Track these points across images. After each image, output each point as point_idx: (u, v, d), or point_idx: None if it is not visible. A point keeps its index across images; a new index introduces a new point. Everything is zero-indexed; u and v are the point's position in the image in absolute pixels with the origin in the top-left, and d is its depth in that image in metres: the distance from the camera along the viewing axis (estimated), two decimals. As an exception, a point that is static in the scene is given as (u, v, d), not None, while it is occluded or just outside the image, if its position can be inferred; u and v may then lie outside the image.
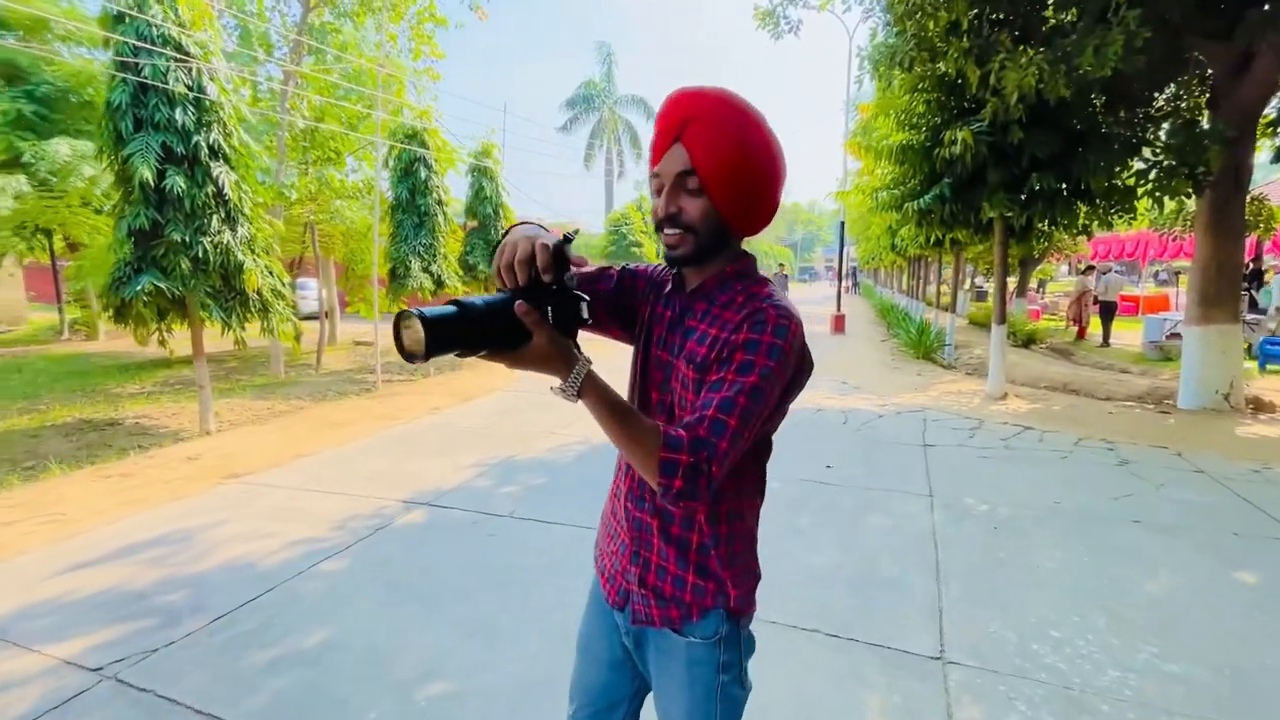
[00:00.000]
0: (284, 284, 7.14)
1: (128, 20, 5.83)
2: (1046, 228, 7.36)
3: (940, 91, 6.72)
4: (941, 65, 6.20)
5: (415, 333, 0.75)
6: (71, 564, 3.17)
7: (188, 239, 6.05)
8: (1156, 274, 26.25)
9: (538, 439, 5.44)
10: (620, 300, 1.12)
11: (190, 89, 6.05)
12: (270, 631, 2.53)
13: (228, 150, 6.35)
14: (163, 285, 5.94)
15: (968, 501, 3.88)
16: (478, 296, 0.82)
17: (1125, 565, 3.06)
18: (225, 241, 6.29)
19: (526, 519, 3.65)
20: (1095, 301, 12.62)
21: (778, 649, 2.39)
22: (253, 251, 6.64)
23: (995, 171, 6.21)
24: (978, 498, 3.94)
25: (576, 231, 0.95)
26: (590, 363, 0.87)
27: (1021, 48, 5.47)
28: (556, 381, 0.85)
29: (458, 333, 0.77)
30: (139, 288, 5.85)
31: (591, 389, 0.86)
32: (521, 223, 0.93)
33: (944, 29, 5.92)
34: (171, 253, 6.01)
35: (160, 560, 3.20)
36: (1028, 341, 12.11)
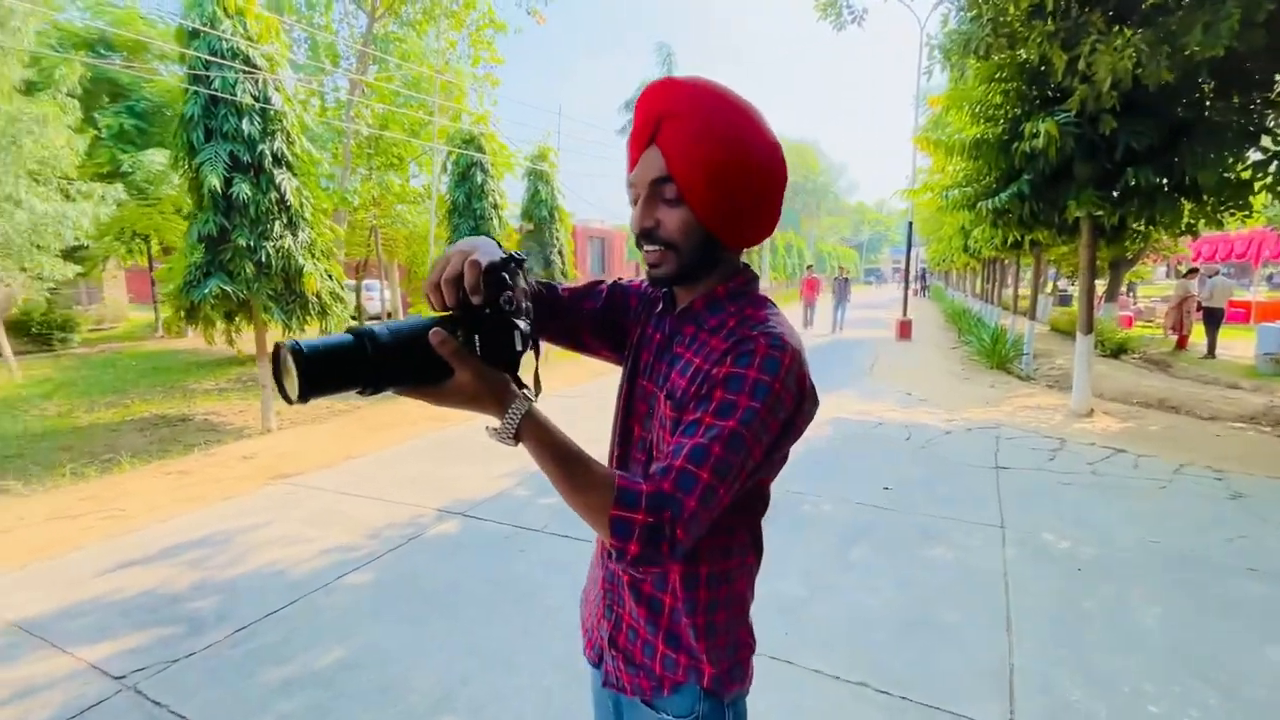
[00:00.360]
0: (342, 287, 7.33)
1: (201, 36, 6.11)
2: (1142, 227, 6.65)
3: (1020, 80, 6.18)
4: (1022, 52, 5.69)
5: (290, 370, 0.61)
6: (120, 562, 3.27)
7: (252, 244, 6.28)
8: (1271, 277, 23.74)
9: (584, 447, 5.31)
10: (610, 319, 1.01)
11: (256, 99, 6.29)
12: (289, 646, 2.49)
13: (290, 158, 6.57)
14: (229, 288, 6.19)
15: (1046, 536, 3.46)
16: (388, 323, 0.69)
17: (1240, 624, 2.61)
18: (287, 246, 6.50)
19: (559, 534, 3.51)
20: (1199, 308, 11.43)
21: (817, 703, 2.14)
22: (313, 255, 6.84)
23: (1083, 166, 5.64)
24: (1058, 532, 3.51)
25: (527, 256, 0.81)
26: (531, 400, 0.75)
27: (1117, 28, 4.93)
28: (494, 421, 0.74)
29: (349, 369, 0.63)
30: (207, 290, 6.11)
31: (531, 431, 0.74)
32: (475, 234, 0.81)
33: (1025, 11, 5.42)
34: (237, 257, 6.26)
35: (199, 563, 3.25)
36: (1118, 351, 11.10)
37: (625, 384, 0.96)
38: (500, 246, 0.79)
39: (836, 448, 5.08)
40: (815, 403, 0.82)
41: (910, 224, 14.94)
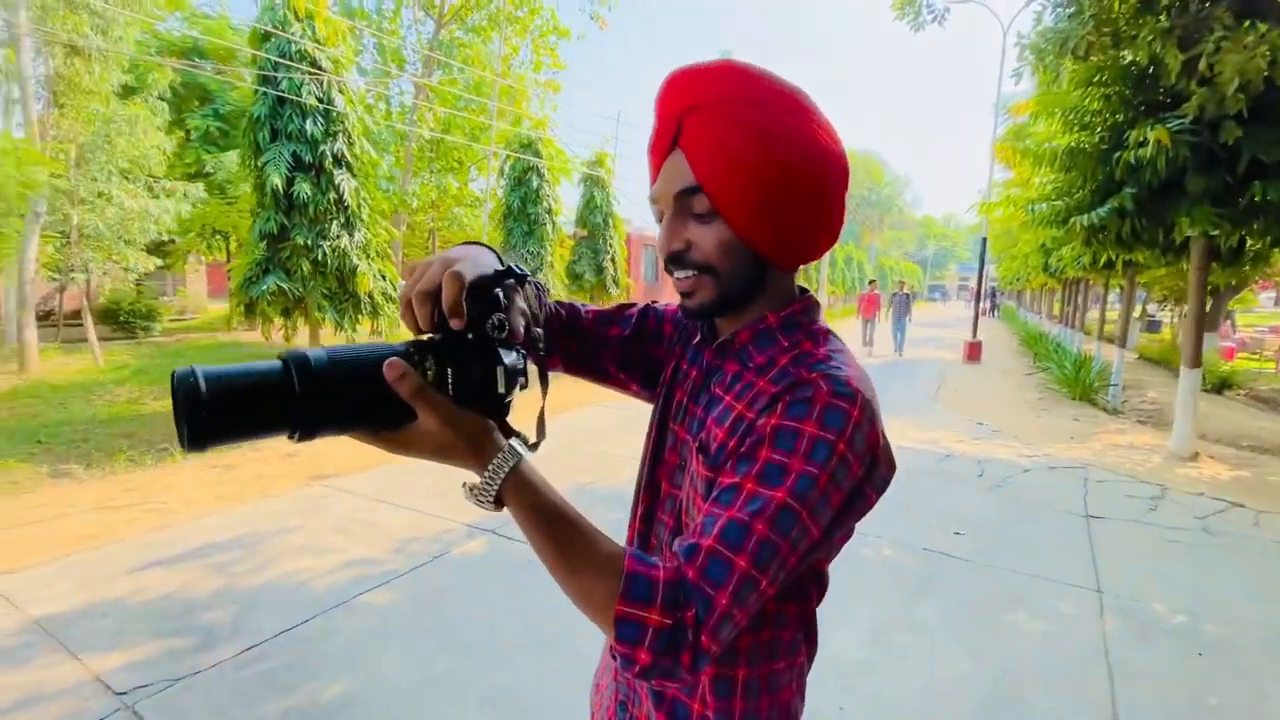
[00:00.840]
0: (395, 288, 7.37)
1: (272, 39, 6.25)
2: (1265, 248, 5.90)
3: (1123, 84, 5.59)
4: (1128, 52, 5.13)
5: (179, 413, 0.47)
6: (149, 560, 3.22)
7: (310, 242, 6.36)
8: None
9: (621, 464, 5.07)
10: (641, 348, 0.87)
11: (321, 101, 6.38)
12: (295, 673, 2.32)
13: (350, 159, 6.64)
14: (285, 285, 6.28)
15: (1155, 608, 2.96)
16: (335, 348, 0.54)
17: None
18: (343, 246, 6.56)
19: (592, 562, 3.26)
20: (1319, 341, 10.23)
21: (879, 805, 1.79)
22: (367, 256, 6.89)
23: (1198, 179, 5.01)
24: (1169, 603, 3.01)
25: (534, 273, 0.59)
26: (519, 453, 0.59)
27: (1247, 23, 4.34)
28: (474, 477, 0.59)
29: (265, 409, 0.49)
30: (264, 287, 6.21)
31: (517, 493, 0.58)
32: (471, 242, 0.68)
33: (1133, 7, 4.88)
34: (295, 255, 6.35)
35: (225, 567, 3.16)
36: (1221, 386, 10.04)
37: (654, 427, 0.81)
38: (500, 257, 0.66)
39: (899, 481, 4.59)
40: (891, 467, 0.66)
41: (984, 240, 14.07)
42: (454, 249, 0.65)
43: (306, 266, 6.37)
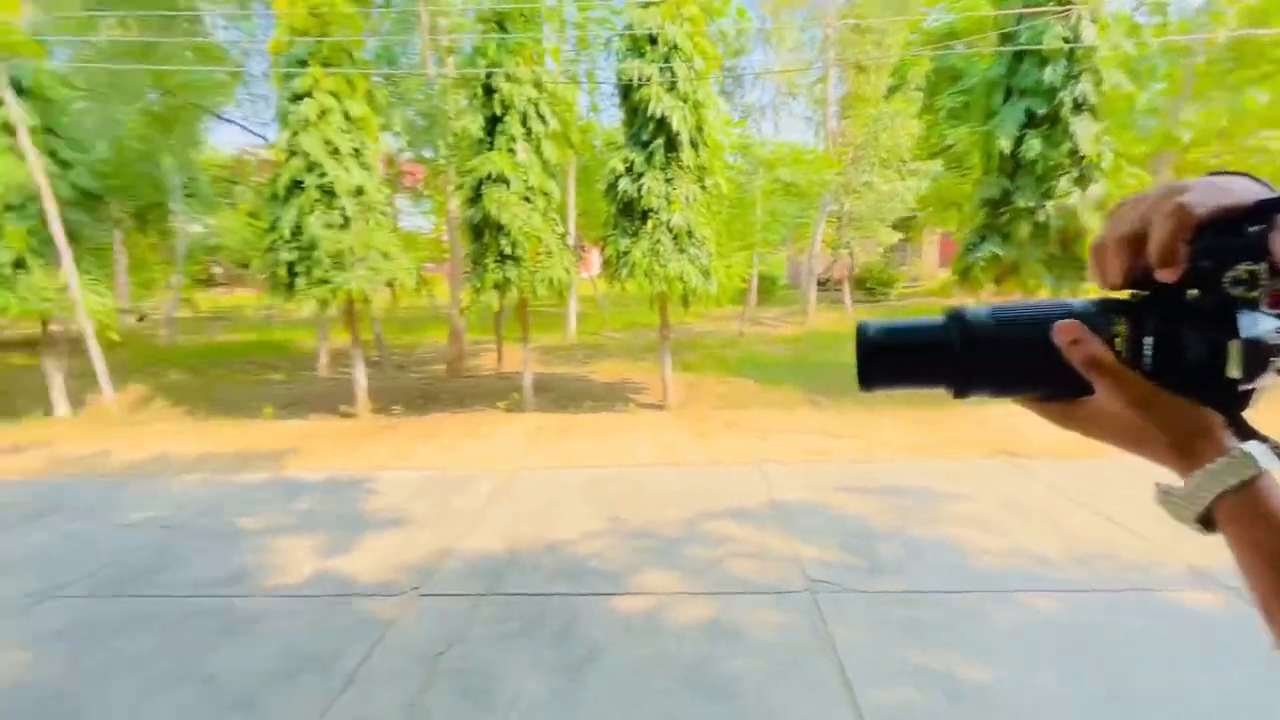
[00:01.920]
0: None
1: (1018, -10, 5.97)
2: None
3: None
4: None
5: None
6: (849, 484, 3.91)
7: (1032, 204, 5.97)
8: None
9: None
10: None
11: (1067, 41, 5.71)
12: (951, 632, 2.35)
13: (1094, 100, 5.72)
14: (999, 252, 6.15)
15: None
16: (1008, 305, 0.50)
17: None
18: (1071, 204, 5.84)
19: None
20: None
21: None
22: (1101, 213, 5.88)
23: None
24: None
25: None
26: (1258, 466, 0.40)
27: None
28: (1174, 479, 0.45)
29: (921, 363, 0.51)
30: (980, 255, 6.27)
31: (1241, 522, 0.41)
32: (1225, 171, 0.46)
33: None
34: (1015, 219, 6.10)
35: (903, 511, 3.49)
36: None
37: None
38: (1269, 186, 0.44)
39: None
40: None
41: None
42: (1216, 180, 0.46)
43: (1025, 230, 6.01)
